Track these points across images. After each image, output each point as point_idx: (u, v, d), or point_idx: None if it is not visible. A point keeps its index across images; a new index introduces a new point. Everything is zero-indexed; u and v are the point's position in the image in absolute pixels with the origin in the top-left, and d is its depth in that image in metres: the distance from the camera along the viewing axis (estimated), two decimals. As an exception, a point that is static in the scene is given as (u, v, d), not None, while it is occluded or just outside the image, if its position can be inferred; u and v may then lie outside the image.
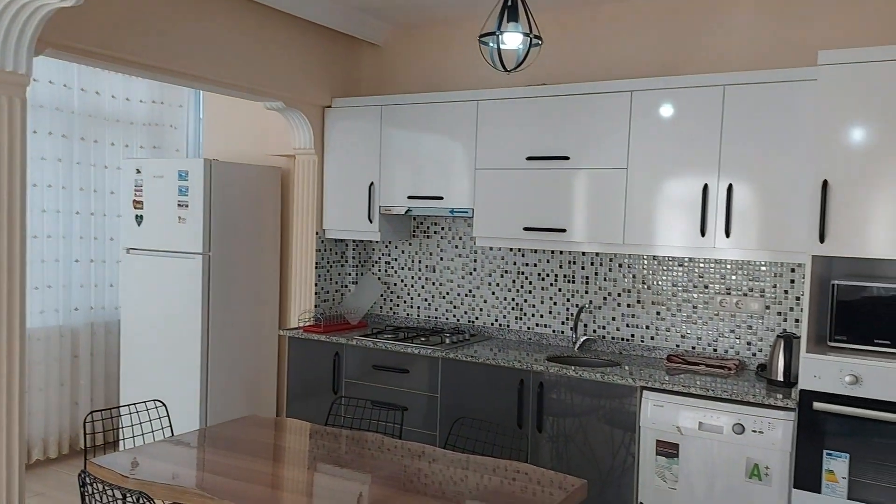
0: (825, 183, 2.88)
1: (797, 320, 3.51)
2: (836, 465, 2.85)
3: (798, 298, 3.51)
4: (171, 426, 3.11)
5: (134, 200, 4.64)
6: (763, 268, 3.58)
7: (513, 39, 2.82)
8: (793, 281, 3.52)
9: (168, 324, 4.53)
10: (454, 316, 4.46)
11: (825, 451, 2.87)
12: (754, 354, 3.61)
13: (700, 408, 3.15)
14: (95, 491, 2.31)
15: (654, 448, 3.25)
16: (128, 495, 2.25)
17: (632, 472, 3.31)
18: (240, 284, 4.67)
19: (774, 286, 3.56)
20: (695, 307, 3.75)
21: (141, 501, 2.18)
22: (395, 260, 4.67)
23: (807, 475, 2.90)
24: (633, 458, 3.30)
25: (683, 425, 3.18)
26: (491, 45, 2.86)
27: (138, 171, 4.61)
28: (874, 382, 2.78)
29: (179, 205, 4.44)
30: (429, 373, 3.83)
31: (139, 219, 4.62)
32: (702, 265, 3.73)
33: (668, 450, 3.22)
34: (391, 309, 4.70)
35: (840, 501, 2.84)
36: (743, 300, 3.63)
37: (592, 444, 3.40)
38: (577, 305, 4.06)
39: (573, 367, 3.44)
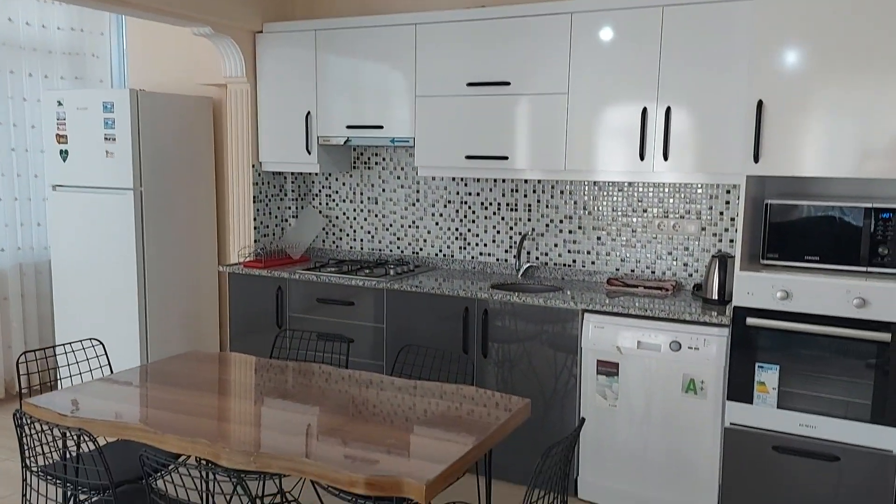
0: (760, 103, 2.92)
1: (731, 241, 3.61)
2: (767, 377, 2.99)
3: (733, 219, 3.60)
4: (109, 365, 3.04)
5: (57, 135, 4.41)
6: (699, 190, 3.65)
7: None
8: (728, 202, 3.60)
9: (102, 262, 4.39)
10: (398, 248, 4.44)
11: (757, 364, 3.00)
12: (690, 275, 3.71)
13: (639, 327, 3.23)
14: (34, 431, 2.25)
15: (594, 368, 3.34)
16: (68, 434, 2.20)
17: (574, 391, 3.40)
18: (175, 220, 4.54)
19: (710, 208, 3.64)
20: (634, 231, 3.81)
21: (82, 439, 2.13)
22: (337, 192, 4.60)
23: (740, 387, 3.03)
24: (575, 378, 3.39)
25: (623, 345, 3.27)
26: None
27: (60, 104, 4.37)
28: (804, 297, 2.89)
29: (106, 138, 4.25)
30: (374, 304, 3.82)
31: (64, 154, 4.41)
32: (641, 189, 3.78)
33: (608, 369, 3.32)
34: (333, 242, 4.65)
35: (770, 410, 2.99)
36: (680, 223, 3.71)
37: (536, 366, 3.47)
38: (520, 233, 4.08)
39: (517, 294, 3.48)
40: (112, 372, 3.01)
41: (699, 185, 3.64)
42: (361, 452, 2.02)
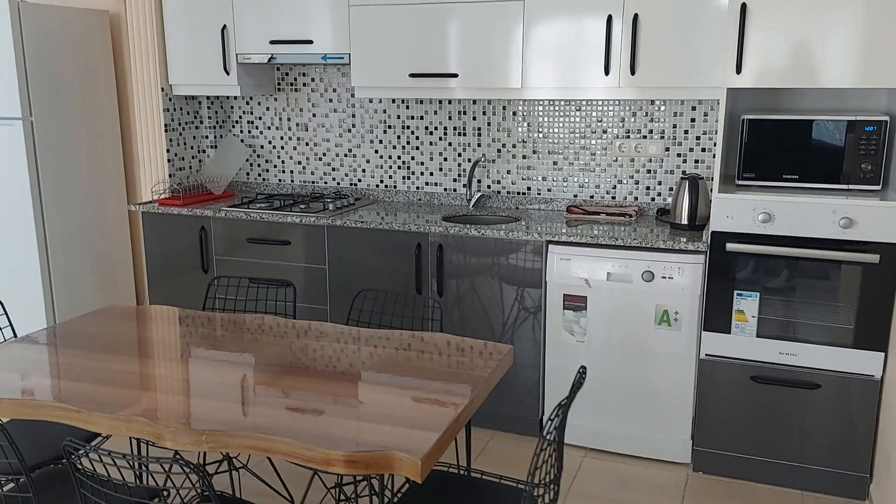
0: (744, 7, 2.65)
1: (697, 161, 3.39)
2: (747, 305, 2.82)
3: (698, 138, 3.37)
4: (11, 326, 2.58)
5: (-80, 56, 3.73)
6: (662, 108, 3.40)
7: None
8: (693, 119, 3.37)
9: (-11, 206, 3.81)
10: (333, 179, 4.04)
11: (735, 292, 2.82)
12: (653, 199, 3.49)
13: (608, 258, 3.00)
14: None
15: (561, 302, 3.10)
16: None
17: (539, 329, 3.17)
18: (74, 154, 3.97)
19: (674, 126, 3.40)
20: (593, 154, 3.54)
21: (-18, 425, 1.73)
22: (260, 118, 4.12)
23: (717, 317, 2.86)
24: (539, 314, 3.15)
25: (591, 277, 3.03)
26: None
27: (-79, 19, 3.68)
28: (787, 219, 2.71)
29: (-17, 60, 3.62)
30: (313, 243, 3.44)
31: (-69, 79, 3.74)
32: (600, 108, 3.49)
33: (575, 303, 3.09)
34: (259, 175, 4.19)
35: (749, 339, 2.83)
36: (642, 143, 3.46)
37: (497, 304, 3.21)
38: (469, 160, 3.75)
39: (473, 227, 3.18)
40: (15, 334, 2.55)
41: (662, 102, 3.39)
42: (336, 429, 1.70)
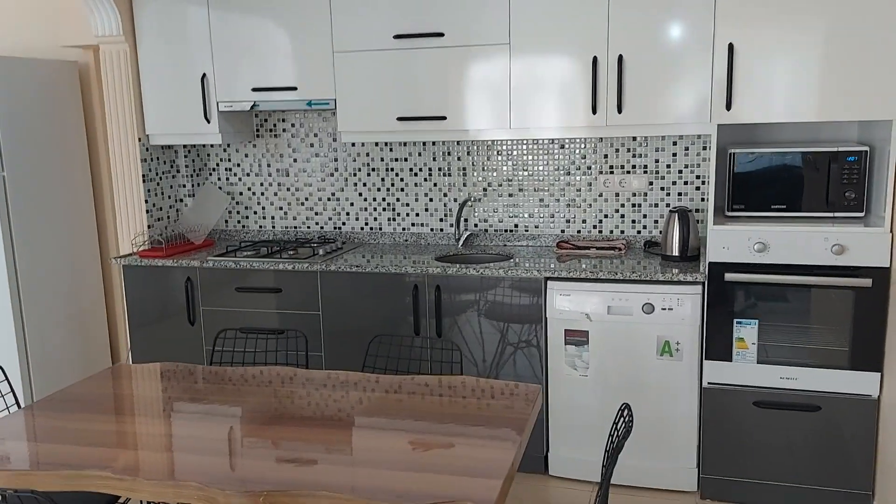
0: (731, 47, 2.77)
1: (681, 194, 3.50)
2: (747, 332, 2.90)
3: (681, 171, 3.48)
4: (13, 393, 2.45)
5: None
6: (645, 143, 3.50)
7: None
8: (675, 154, 3.48)
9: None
10: (317, 223, 4.01)
11: (735, 321, 2.90)
12: (639, 232, 3.58)
13: (607, 292, 3.05)
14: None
15: (562, 338, 3.13)
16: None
17: (539, 365, 3.18)
18: (46, 208, 3.85)
19: (657, 161, 3.50)
20: (578, 190, 3.62)
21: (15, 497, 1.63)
22: (238, 165, 4.07)
23: (718, 345, 2.93)
24: (540, 351, 3.17)
25: (592, 311, 3.07)
26: None
27: None
28: (781, 248, 2.81)
29: (-49, 114, 3.49)
30: (306, 289, 3.40)
31: None
32: (583, 145, 3.58)
33: (577, 338, 3.12)
34: (239, 222, 4.13)
35: (750, 366, 2.91)
36: (626, 178, 3.56)
37: (497, 342, 3.21)
38: (455, 200, 3.78)
39: (472, 266, 3.20)
40: (19, 405, 2.42)
41: (644, 138, 3.50)
42: (397, 483, 1.67)
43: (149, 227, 3.80)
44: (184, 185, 4.06)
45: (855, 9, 2.63)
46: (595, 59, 3.14)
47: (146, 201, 3.78)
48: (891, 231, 2.69)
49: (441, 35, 3.29)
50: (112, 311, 4.34)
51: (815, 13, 2.67)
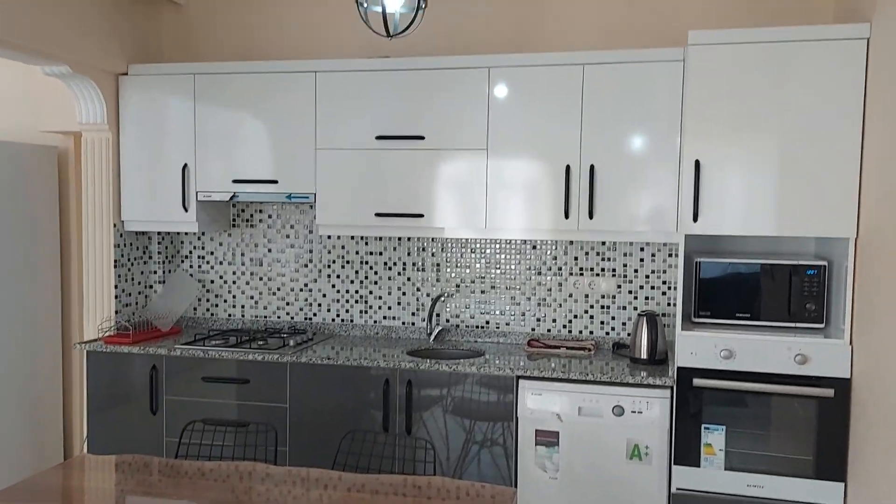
0: (697, 163, 2.93)
1: (648, 298, 3.59)
2: (714, 438, 2.94)
3: (647, 276, 3.59)
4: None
5: None
6: (614, 248, 3.62)
7: (395, 1, 2.49)
8: (642, 259, 3.60)
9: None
10: (287, 314, 4.00)
11: (703, 426, 2.95)
12: (607, 333, 3.65)
13: (578, 392, 3.08)
14: None
15: (533, 438, 3.13)
16: None
17: (506, 465, 3.16)
18: (10, 292, 3.78)
19: (625, 265, 3.61)
20: (549, 290, 3.70)
21: None
22: (211, 254, 4.08)
23: (686, 450, 2.96)
24: (509, 451, 3.16)
25: (563, 412, 3.09)
26: (367, 5, 2.50)
27: None
28: (747, 356, 2.89)
29: (-76, 193, 3.46)
30: (274, 381, 3.36)
31: None
32: (554, 247, 3.68)
33: (547, 439, 3.12)
34: (208, 310, 4.10)
35: (718, 472, 2.93)
36: (595, 280, 3.65)
37: (466, 441, 3.20)
38: (427, 294, 3.82)
39: (444, 361, 3.21)
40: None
41: (613, 242, 3.62)
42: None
43: (116, 312, 3.75)
44: (155, 272, 4.04)
45: (810, 134, 2.81)
46: (568, 168, 3.28)
47: (116, 286, 3.75)
48: (850, 343, 2.80)
49: (422, 138, 3.42)
50: (68, 399, 4.21)
51: (772, 134, 2.85)
